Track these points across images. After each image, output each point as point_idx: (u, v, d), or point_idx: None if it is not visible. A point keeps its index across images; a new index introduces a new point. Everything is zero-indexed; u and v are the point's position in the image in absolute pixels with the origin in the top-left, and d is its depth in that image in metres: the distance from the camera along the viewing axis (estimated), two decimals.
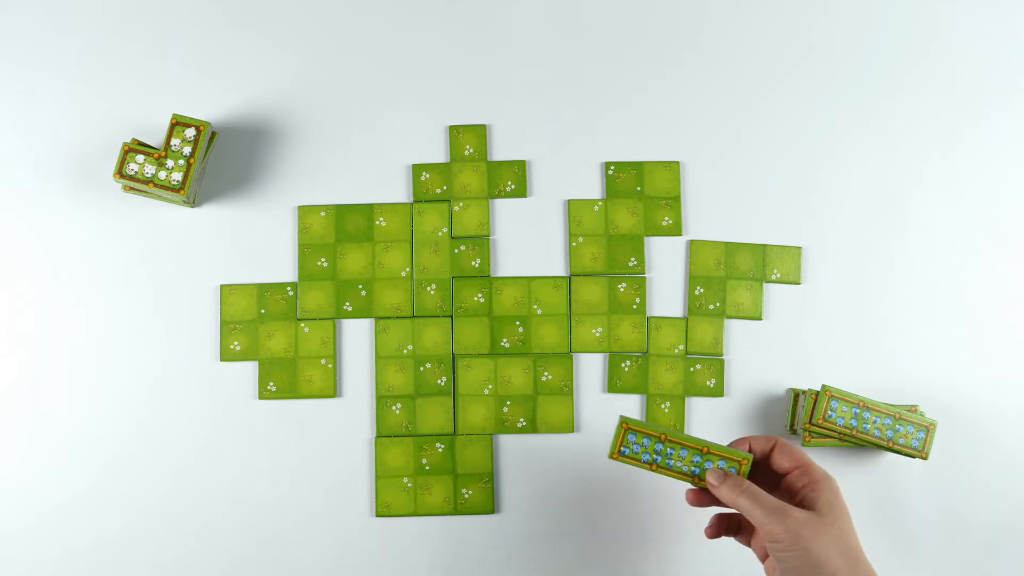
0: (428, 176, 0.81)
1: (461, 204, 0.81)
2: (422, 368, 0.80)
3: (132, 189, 0.78)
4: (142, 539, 0.78)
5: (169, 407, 0.79)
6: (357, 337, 0.80)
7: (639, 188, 0.81)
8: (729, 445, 0.67)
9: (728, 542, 0.69)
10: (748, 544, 0.67)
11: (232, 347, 0.79)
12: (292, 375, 0.79)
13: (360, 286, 0.80)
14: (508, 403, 0.80)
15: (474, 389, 0.80)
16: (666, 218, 0.81)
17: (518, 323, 0.80)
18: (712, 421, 0.80)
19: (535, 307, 0.80)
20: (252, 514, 0.78)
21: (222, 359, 0.80)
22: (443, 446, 0.79)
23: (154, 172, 0.75)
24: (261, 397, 0.79)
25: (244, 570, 0.78)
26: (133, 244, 0.80)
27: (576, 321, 0.80)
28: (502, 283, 0.81)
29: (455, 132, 0.82)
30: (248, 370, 0.80)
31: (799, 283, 0.81)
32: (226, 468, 0.79)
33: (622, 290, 0.81)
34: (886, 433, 0.74)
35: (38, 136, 0.81)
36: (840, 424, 0.74)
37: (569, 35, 0.83)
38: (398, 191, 0.82)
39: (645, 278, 0.81)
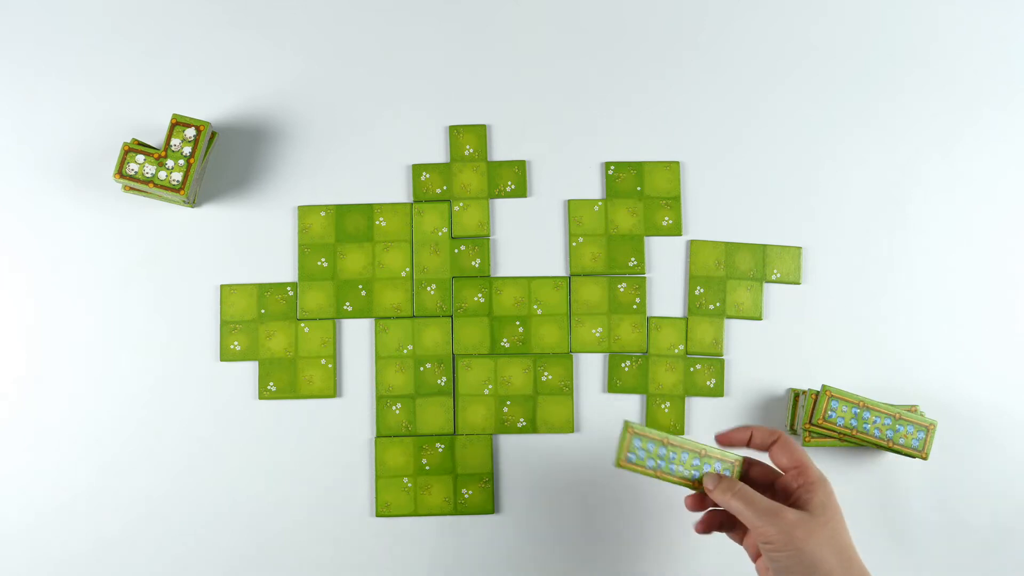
0: (428, 176, 0.81)
1: (461, 204, 0.81)
2: (422, 368, 0.80)
3: (132, 189, 0.78)
4: (142, 539, 0.78)
5: (169, 407, 0.79)
6: (357, 337, 0.80)
7: (639, 188, 0.81)
8: (731, 431, 0.67)
9: (726, 541, 0.69)
10: (740, 542, 0.67)
11: (232, 347, 0.80)
12: (292, 375, 0.79)
13: (360, 286, 0.81)
14: (508, 403, 0.80)
15: (474, 389, 0.80)
16: (666, 218, 0.81)
17: (518, 323, 0.80)
18: (712, 421, 0.80)
19: (535, 307, 0.80)
20: (252, 514, 0.78)
21: (222, 359, 0.80)
22: (443, 446, 0.79)
23: (154, 172, 0.75)
24: (261, 397, 0.79)
25: (244, 570, 0.78)
26: (133, 244, 0.80)
27: (576, 321, 0.80)
28: (502, 283, 0.81)
29: (455, 132, 0.82)
30: (248, 370, 0.80)
31: (799, 283, 0.81)
32: (226, 468, 0.79)
33: (622, 290, 0.81)
34: (886, 433, 0.74)
35: (38, 136, 0.81)
36: (840, 424, 0.74)
37: (569, 35, 0.83)
38: (398, 191, 0.82)
39: (645, 278, 0.81)
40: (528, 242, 0.81)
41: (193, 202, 0.80)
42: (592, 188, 0.82)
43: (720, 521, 0.68)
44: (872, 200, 0.82)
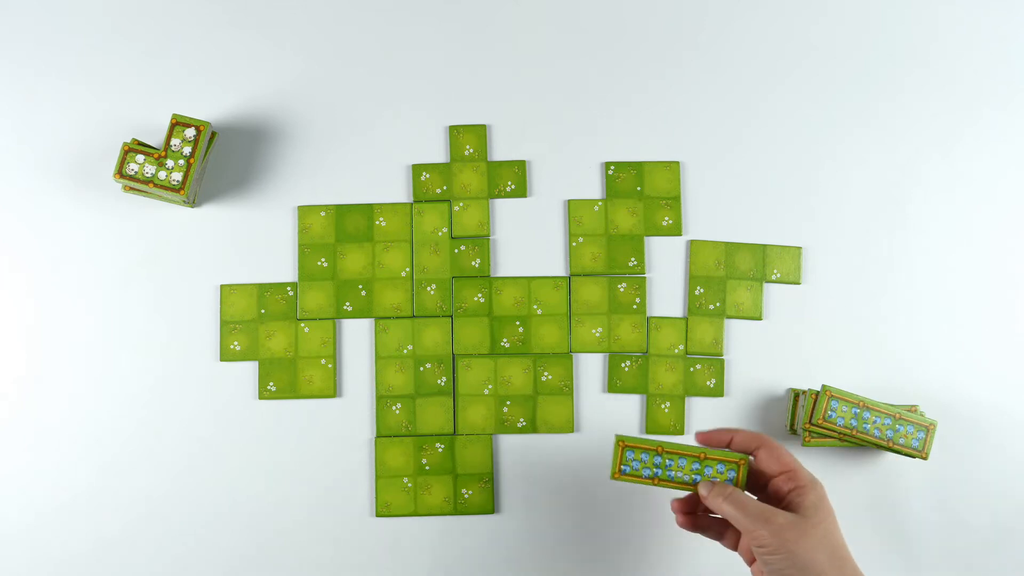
0: (428, 176, 0.81)
1: (461, 204, 0.81)
2: (422, 368, 0.80)
3: (132, 189, 0.78)
4: (142, 539, 0.78)
5: (169, 407, 0.79)
6: (357, 337, 0.80)
7: (639, 188, 0.81)
8: (712, 432, 0.67)
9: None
10: (735, 548, 0.68)
11: (232, 347, 0.79)
12: (292, 375, 0.79)
13: (360, 286, 0.80)
14: (508, 403, 0.80)
15: (474, 389, 0.80)
16: (666, 218, 0.81)
17: (518, 323, 0.80)
18: (712, 421, 0.80)
19: (535, 307, 0.80)
20: (252, 514, 0.78)
21: (222, 359, 0.80)
22: (443, 446, 0.79)
23: (154, 172, 0.75)
24: (261, 397, 0.79)
25: (244, 570, 0.78)
26: (133, 244, 0.80)
27: (576, 321, 0.80)
28: (502, 283, 0.81)
29: (455, 132, 0.82)
30: (248, 370, 0.80)
31: (799, 283, 0.81)
32: (226, 468, 0.79)
33: (622, 290, 0.81)
34: (886, 433, 0.74)
35: (38, 136, 0.81)
36: (840, 424, 0.74)
37: (569, 35, 0.83)
38: (398, 191, 0.82)
39: (645, 278, 0.81)
40: (528, 242, 0.81)
41: (193, 202, 0.80)
42: (592, 188, 0.82)
43: (707, 525, 0.69)
44: (872, 200, 0.82)
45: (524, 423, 0.79)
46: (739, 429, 0.67)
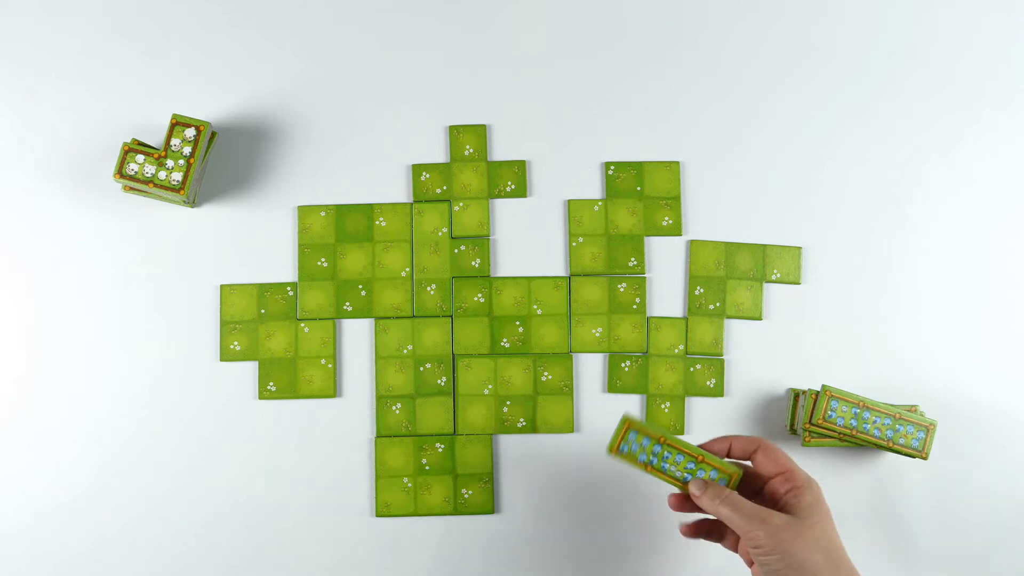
0: (428, 176, 0.81)
1: (461, 204, 0.81)
2: (422, 368, 0.80)
3: (132, 189, 0.78)
4: (142, 539, 0.78)
5: (169, 407, 0.79)
6: (357, 337, 0.80)
7: (639, 188, 0.81)
8: (711, 442, 0.68)
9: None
10: (735, 550, 0.68)
11: (232, 347, 0.80)
12: (292, 375, 0.79)
13: (360, 286, 0.81)
14: (508, 403, 0.80)
15: (474, 389, 0.80)
16: (666, 218, 0.81)
17: (518, 323, 0.80)
18: (712, 421, 0.80)
19: (535, 307, 0.80)
20: (252, 514, 0.78)
21: (222, 359, 0.80)
22: (443, 446, 0.79)
23: (154, 172, 0.75)
24: (261, 397, 0.79)
25: (244, 570, 0.78)
26: (133, 244, 0.80)
27: (576, 321, 0.80)
28: (502, 283, 0.81)
29: (455, 132, 0.82)
30: (248, 370, 0.80)
31: (799, 283, 0.81)
32: (226, 468, 0.79)
33: (622, 290, 0.81)
34: (886, 433, 0.74)
35: (38, 136, 0.81)
36: (840, 424, 0.74)
37: (569, 35, 0.83)
38: (398, 191, 0.82)
39: (645, 278, 0.81)
40: (528, 242, 0.81)
41: (193, 202, 0.80)
42: (592, 188, 0.82)
43: (708, 529, 0.69)
44: (872, 200, 0.82)
45: (524, 423, 0.79)
46: (736, 435, 0.68)
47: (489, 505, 0.79)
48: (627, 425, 0.67)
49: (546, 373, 0.80)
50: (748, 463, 0.68)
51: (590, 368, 0.80)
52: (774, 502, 0.65)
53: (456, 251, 0.81)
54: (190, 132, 0.75)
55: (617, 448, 0.67)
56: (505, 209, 0.82)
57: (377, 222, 0.81)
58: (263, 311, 0.80)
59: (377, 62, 0.83)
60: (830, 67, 0.83)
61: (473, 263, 0.81)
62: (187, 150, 0.75)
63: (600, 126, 0.82)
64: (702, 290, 0.81)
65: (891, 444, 0.74)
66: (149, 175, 0.75)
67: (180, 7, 0.83)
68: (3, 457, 0.78)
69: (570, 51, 0.83)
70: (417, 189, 0.81)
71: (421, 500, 0.79)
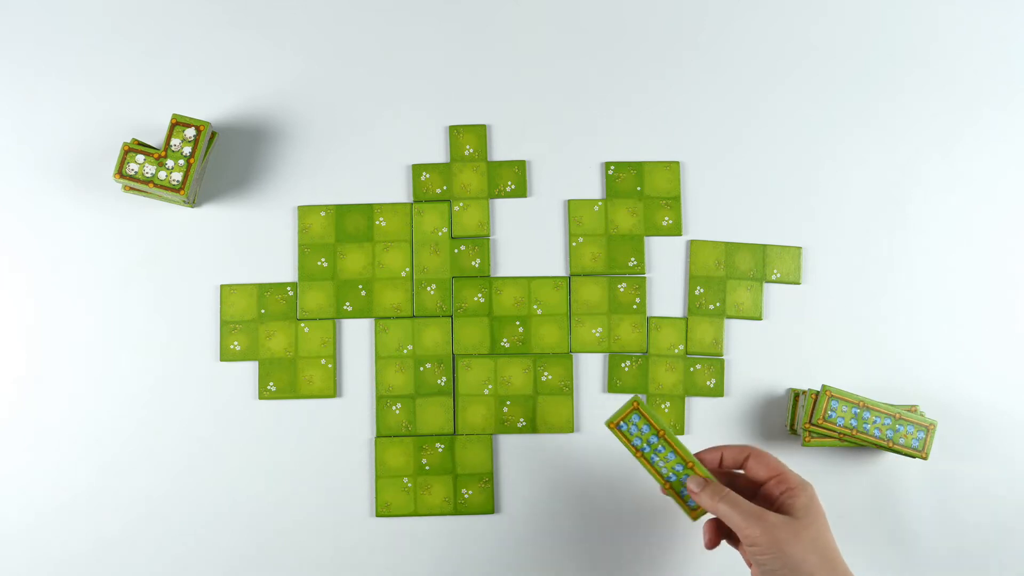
0: (428, 176, 0.81)
1: (461, 204, 0.81)
2: (422, 368, 0.80)
3: (132, 189, 0.78)
4: (142, 539, 0.78)
5: (169, 407, 0.79)
6: (357, 337, 0.80)
7: (639, 188, 0.81)
8: (702, 452, 0.69)
9: (726, 545, 0.70)
10: (739, 548, 0.68)
11: (232, 347, 0.79)
12: (292, 375, 0.79)
13: (360, 286, 0.81)
14: (508, 403, 0.80)
15: (474, 389, 0.80)
16: (666, 218, 0.81)
17: (518, 323, 0.80)
18: (712, 421, 0.80)
19: (535, 307, 0.80)
20: (252, 514, 0.78)
21: (222, 359, 0.80)
22: (443, 446, 0.79)
23: (154, 172, 0.75)
24: (261, 397, 0.79)
25: (244, 570, 0.78)
26: (133, 244, 0.80)
27: (576, 321, 0.80)
28: (502, 283, 0.81)
29: (455, 132, 0.82)
30: (248, 370, 0.80)
31: (799, 283, 0.81)
32: (226, 468, 0.79)
33: (622, 290, 0.81)
34: (886, 433, 0.74)
35: (38, 136, 0.81)
36: (840, 424, 0.74)
37: (569, 35, 0.83)
38: (398, 191, 0.82)
39: (645, 278, 0.81)
40: (528, 242, 0.81)
41: (193, 202, 0.80)
42: (592, 188, 0.82)
43: (723, 530, 0.69)
44: (872, 200, 0.82)
45: (524, 423, 0.79)
46: (726, 445, 0.69)
47: (489, 505, 0.79)
48: (634, 406, 0.68)
49: (546, 373, 0.80)
50: (741, 471, 0.69)
51: (590, 368, 0.80)
52: (769, 505, 0.66)
53: (456, 251, 0.81)
54: (190, 132, 0.75)
55: (616, 424, 0.69)
56: (505, 209, 0.82)
57: (377, 222, 0.81)
58: (263, 311, 0.80)
59: (377, 62, 0.83)
60: (830, 67, 0.83)
61: (473, 263, 0.81)
62: (187, 150, 0.75)
63: (600, 126, 0.82)
64: (702, 290, 0.81)
65: (891, 444, 0.74)
66: (149, 175, 0.75)
67: (180, 7, 0.83)
68: (3, 457, 0.78)
69: (570, 51, 0.83)
70: (417, 189, 0.81)
71: (421, 500, 0.79)
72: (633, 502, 0.79)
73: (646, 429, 0.68)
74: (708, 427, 0.80)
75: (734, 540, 0.69)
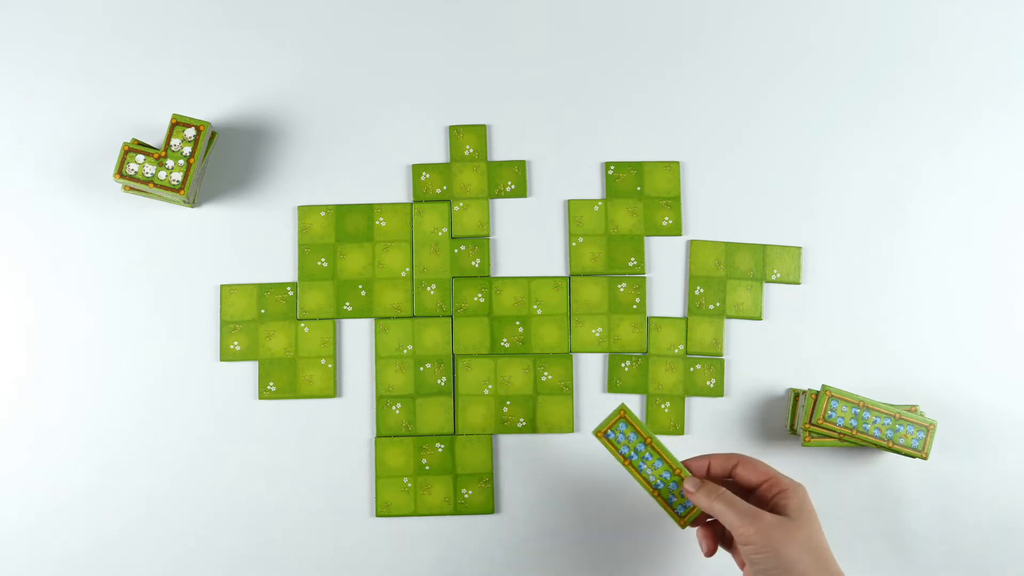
0: (428, 176, 0.81)
1: (461, 204, 0.81)
2: (422, 368, 0.80)
3: (132, 189, 0.78)
4: (142, 539, 0.78)
5: (169, 407, 0.79)
6: (357, 337, 0.80)
7: (639, 188, 0.81)
8: (689, 460, 0.69)
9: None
10: (731, 551, 0.69)
11: (232, 347, 0.79)
12: (292, 375, 0.79)
13: (360, 286, 0.81)
14: (508, 403, 0.80)
15: (474, 389, 0.80)
16: (666, 218, 0.81)
17: (518, 323, 0.80)
18: (712, 421, 0.80)
19: (535, 307, 0.80)
20: (252, 514, 0.78)
21: (222, 359, 0.80)
22: (443, 446, 0.79)
23: (154, 172, 0.75)
24: (261, 397, 0.79)
25: (244, 570, 0.78)
26: (133, 244, 0.80)
27: (576, 321, 0.80)
28: (502, 283, 0.81)
29: (455, 132, 0.82)
30: (248, 370, 0.80)
31: (799, 283, 0.81)
32: (226, 468, 0.79)
33: (622, 290, 0.81)
34: (886, 433, 0.74)
35: (38, 136, 0.81)
36: (840, 424, 0.74)
37: (569, 35, 0.83)
38: (398, 191, 0.82)
39: (645, 278, 0.81)
40: (528, 242, 0.81)
41: (193, 202, 0.80)
42: (592, 188, 0.82)
43: (720, 535, 0.70)
44: (872, 200, 0.82)
45: (524, 423, 0.79)
46: (714, 454, 0.69)
47: (489, 505, 0.79)
48: (621, 415, 0.69)
49: (546, 373, 0.80)
50: (729, 479, 0.70)
51: (590, 368, 0.80)
52: (762, 507, 0.66)
53: (456, 251, 0.81)
54: (190, 132, 0.75)
55: (604, 433, 0.69)
56: (505, 209, 0.82)
57: (377, 222, 0.81)
58: (263, 311, 0.80)
59: (377, 62, 0.83)
60: (830, 67, 0.83)
61: (473, 263, 0.81)
62: (187, 150, 0.75)
63: (600, 126, 0.82)
64: (702, 290, 0.81)
65: (891, 444, 0.74)
66: (149, 175, 0.75)
67: (180, 7, 0.83)
68: (3, 457, 0.78)
69: (570, 51, 0.83)
70: (417, 189, 0.81)
71: (421, 500, 0.79)
72: (633, 502, 0.79)
73: (633, 437, 0.69)
74: (708, 427, 0.80)
75: (727, 543, 0.69)
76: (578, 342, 0.80)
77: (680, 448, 0.78)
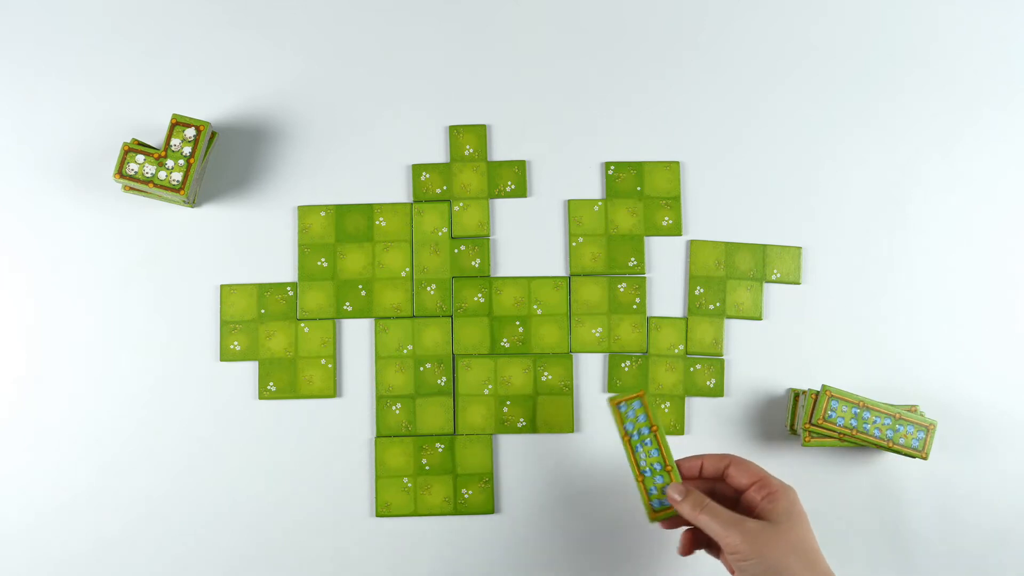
0: (428, 176, 0.81)
1: (461, 204, 0.81)
2: (422, 368, 0.80)
3: (132, 189, 0.78)
4: (142, 539, 0.78)
5: (169, 407, 0.79)
6: (357, 337, 0.80)
7: (639, 188, 0.81)
8: (682, 460, 0.69)
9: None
10: (719, 557, 0.69)
11: (232, 347, 0.79)
12: (292, 375, 0.79)
13: (360, 286, 0.81)
14: (508, 403, 0.80)
15: (474, 389, 0.80)
16: (666, 218, 0.81)
17: (518, 323, 0.80)
18: (712, 421, 0.80)
19: (535, 307, 0.80)
20: (252, 514, 0.78)
21: (222, 359, 0.80)
22: (443, 446, 0.79)
23: (154, 172, 0.75)
24: (261, 397, 0.79)
25: (244, 570, 0.78)
26: (133, 244, 0.80)
27: (576, 321, 0.80)
28: (502, 283, 0.81)
29: (455, 132, 0.82)
30: (248, 370, 0.80)
31: (799, 283, 0.81)
32: (226, 468, 0.79)
33: (622, 290, 0.81)
34: (886, 433, 0.74)
35: (38, 136, 0.81)
36: (840, 424, 0.74)
37: (569, 35, 0.83)
38: (398, 191, 0.82)
39: (645, 278, 0.81)
40: (528, 242, 0.81)
41: (193, 202, 0.80)
42: (592, 188, 0.82)
43: (706, 541, 0.70)
44: (872, 200, 0.82)
45: (524, 423, 0.79)
46: (706, 454, 0.70)
47: (489, 505, 0.79)
48: (639, 396, 0.69)
49: (546, 373, 0.80)
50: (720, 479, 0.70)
51: (590, 368, 0.80)
52: (751, 510, 0.67)
53: (456, 251, 0.81)
54: (190, 132, 0.75)
55: (617, 404, 0.70)
56: (505, 209, 0.82)
57: (377, 222, 0.81)
58: (263, 311, 0.80)
59: (377, 62, 0.83)
60: (830, 67, 0.83)
61: (473, 263, 0.81)
62: (187, 150, 0.75)
63: (600, 126, 0.82)
64: (702, 290, 0.81)
65: (891, 444, 0.74)
66: (149, 175, 0.75)
67: (180, 7, 0.83)
68: (3, 457, 0.78)
69: (570, 51, 0.83)
70: (417, 189, 0.81)
71: (421, 500, 0.79)
72: (633, 502, 0.79)
73: (642, 419, 0.69)
74: (708, 427, 0.80)
75: (715, 549, 0.69)
76: (578, 342, 0.80)
77: (680, 448, 0.78)
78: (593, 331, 0.80)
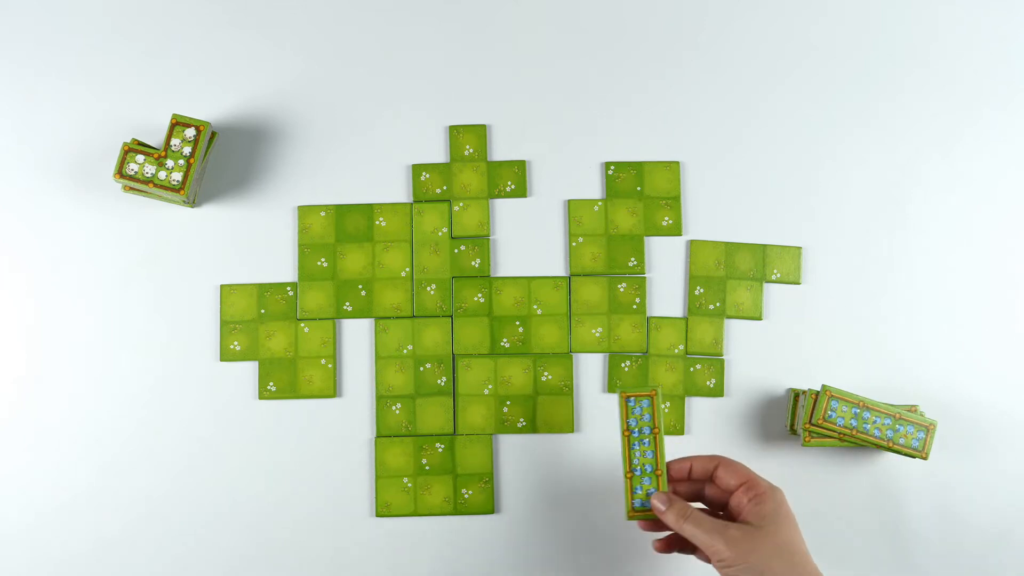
0: (428, 176, 0.81)
1: (461, 204, 0.81)
2: (422, 368, 0.80)
3: (132, 189, 0.78)
4: (142, 539, 0.78)
5: (169, 407, 0.79)
6: (357, 337, 0.80)
7: (639, 188, 0.81)
8: (672, 462, 0.70)
9: None
10: (708, 561, 0.69)
11: (232, 347, 0.79)
12: (292, 375, 0.79)
13: (360, 286, 0.81)
14: (508, 403, 0.80)
15: (474, 389, 0.80)
16: (666, 218, 0.81)
17: (518, 323, 0.80)
18: (712, 421, 0.80)
19: (535, 307, 0.80)
20: (252, 514, 0.78)
21: (222, 359, 0.80)
22: (443, 446, 0.79)
23: (154, 172, 0.75)
24: (261, 397, 0.79)
25: (244, 570, 0.78)
26: (133, 244, 0.80)
27: (576, 321, 0.80)
28: (502, 283, 0.81)
29: (455, 132, 0.82)
30: (248, 370, 0.80)
31: (799, 283, 0.81)
32: (226, 468, 0.79)
33: (622, 290, 0.81)
34: (886, 433, 0.74)
35: (38, 136, 0.81)
36: (840, 424, 0.74)
37: (569, 35, 0.83)
38: (398, 191, 0.82)
39: (645, 278, 0.81)
40: (528, 242, 0.81)
41: (193, 202, 0.80)
42: (592, 188, 0.82)
43: (680, 543, 0.70)
44: (872, 200, 0.82)
45: (524, 423, 0.79)
46: (696, 456, 0.70)
47: (489, 505, 0.79)
48: (650, 395, 0.69)
49: (546, 373, 0.80)
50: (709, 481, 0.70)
51: (590, 368, 0.80)
52: (739, 512, 0.67)
53: (456, 251, 0.81)
54: (190, 132, 0.75)
55: (627, 397, 0.70)
56: (505, 209, 0.82)
57: (377, 222, 0.81)
58: (263, 311, 0.80)
59: (377, 62, 0.83)
60: (830, 67, 0.83)
61: (473, 263, 0.81)
62: (187, 150, 0.75)
63: (600, 126, 0.82)
64: (702, 290, 0.81)
65: (891, 444, 0.74)
66: (149, 175, 0.75)
67: (180, 7, 0.83)
68: (3, 457, 0.78)
69: (570, 51, 0.83)
70: (417, 189, 0.81)
71: (421, 500, 0.79)
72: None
73: (647, 418, 0.69)
74: (708, 427, 0.80)
75: (688, 548, 0.70)
76: (578, 342, 0.80)
77: (680, 448, 0.78)
78: (593, 331, 0.80)
